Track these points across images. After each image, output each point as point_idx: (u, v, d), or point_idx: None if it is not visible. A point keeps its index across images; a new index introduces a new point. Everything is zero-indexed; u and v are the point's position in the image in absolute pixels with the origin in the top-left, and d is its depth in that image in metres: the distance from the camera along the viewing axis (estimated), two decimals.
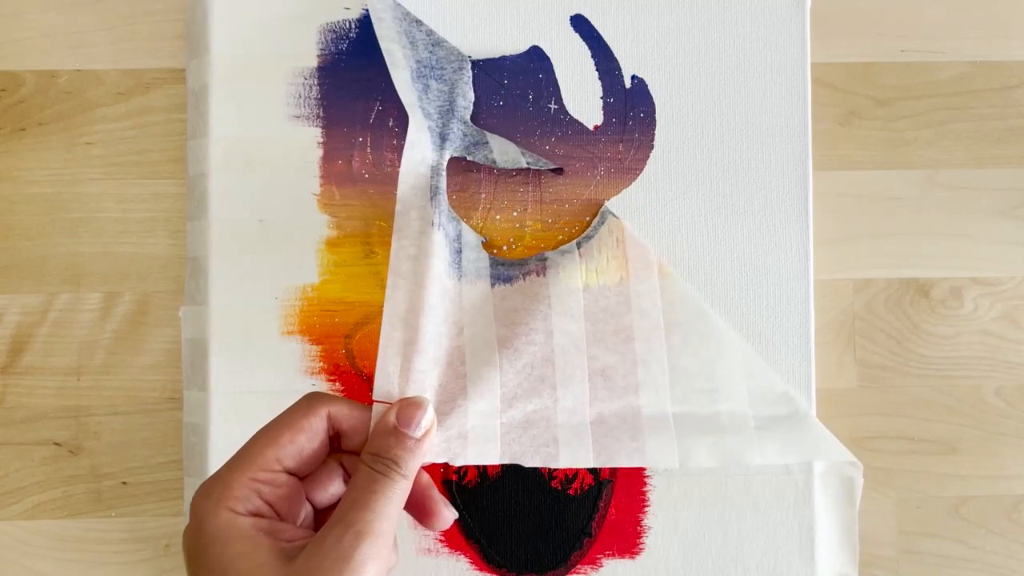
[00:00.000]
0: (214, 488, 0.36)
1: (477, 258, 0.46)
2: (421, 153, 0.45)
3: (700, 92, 0.48)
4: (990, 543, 0.50)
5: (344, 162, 0.47)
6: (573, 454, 0.43)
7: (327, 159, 0.47)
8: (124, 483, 0.48)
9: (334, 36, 0.47)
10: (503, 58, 0.48)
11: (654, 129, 0.48)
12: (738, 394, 0.45)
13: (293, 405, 0.39)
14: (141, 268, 0.49)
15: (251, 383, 0.46)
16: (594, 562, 0.47)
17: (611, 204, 0.48)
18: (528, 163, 0.46)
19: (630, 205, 0.48)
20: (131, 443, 0.48)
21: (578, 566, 0.47)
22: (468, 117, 0.46)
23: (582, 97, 0.48)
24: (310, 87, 0.47)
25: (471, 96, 0.47)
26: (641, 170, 0.48)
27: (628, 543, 0.47)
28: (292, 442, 0.37)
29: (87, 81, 0.49)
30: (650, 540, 0.47)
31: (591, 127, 0.48)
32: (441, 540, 0.47)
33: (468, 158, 0.46)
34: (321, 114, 0.47)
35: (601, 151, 0.48)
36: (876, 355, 0.50)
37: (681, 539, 0.47)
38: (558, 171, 0.47)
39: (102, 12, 0.49)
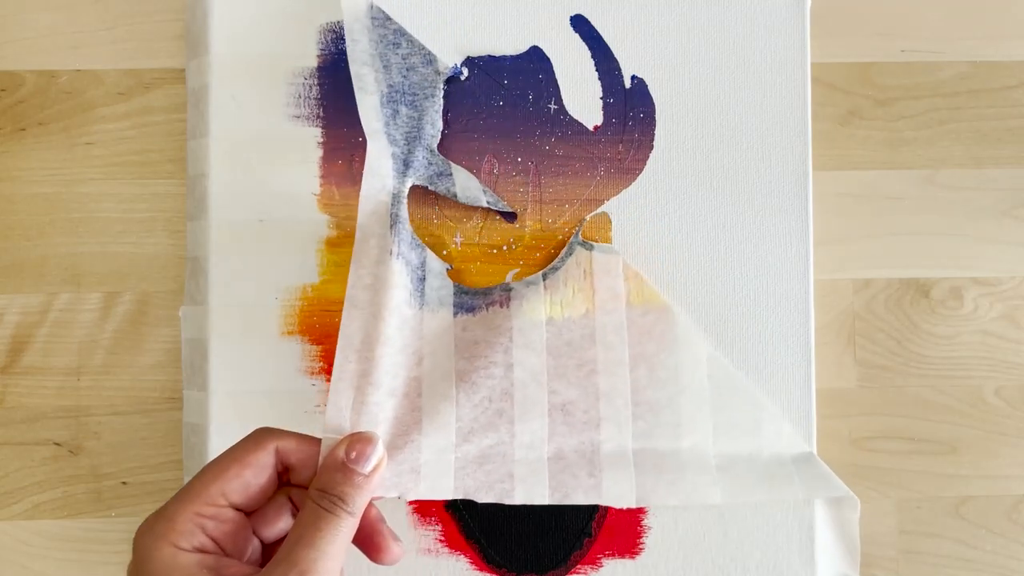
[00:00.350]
0: (157, 523, 0.36)
1: (441, 286, 0.46)
2: (381, 180, 0.45)
3: (700, 92, 0.48)
4: (990, 543, 0.50)
5: (344, 162, 0.47)
6: (529, 490, 0.43)
7: (327, 159, 0.47)
8: (124, 483, 0.48)
9: (334, 36, 0.47)
10: (503, 58, 0.48)
11: (654, 129, 0.48)
12: (703, 428, 0.45)
13: (242, 440, 0.39)
14: (141, 268, 0.49)
15: (251, 383, 0.46)
16: (594, 562, 0.47)
17: (611, 204, 0.48)
18: (488, 202, 0.46)
19: (630, 205, 0.48)
20: (131, 443, 0.48)
21: (578, 566, 0.47)
22: (435, 145, 0.46)
23: (582, 97, 0.48)
24: (310, 87, 0.47)
25: (439, 124, 0.46)
26: (641, 170, 0.48)
27: (628, 543, 0.47)
28: (238, 476, 0.37)
29: (87, 81, 0.49)
30: (650, 540, 0.47)
31: (591, 127, 0.48)
32: (441, 540, 0.47)
33: (429, 188, 0.46)
34: (321, 114, 0.47)
35: (601, 151, 0.48)
36: (876, 355, 0.50)
37: (681, 539, 0.47)
38: (511, 216, 0.47)
39: (102, 12, 0.49)
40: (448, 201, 0.47)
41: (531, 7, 0.48)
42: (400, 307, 0.44)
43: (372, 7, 0.46)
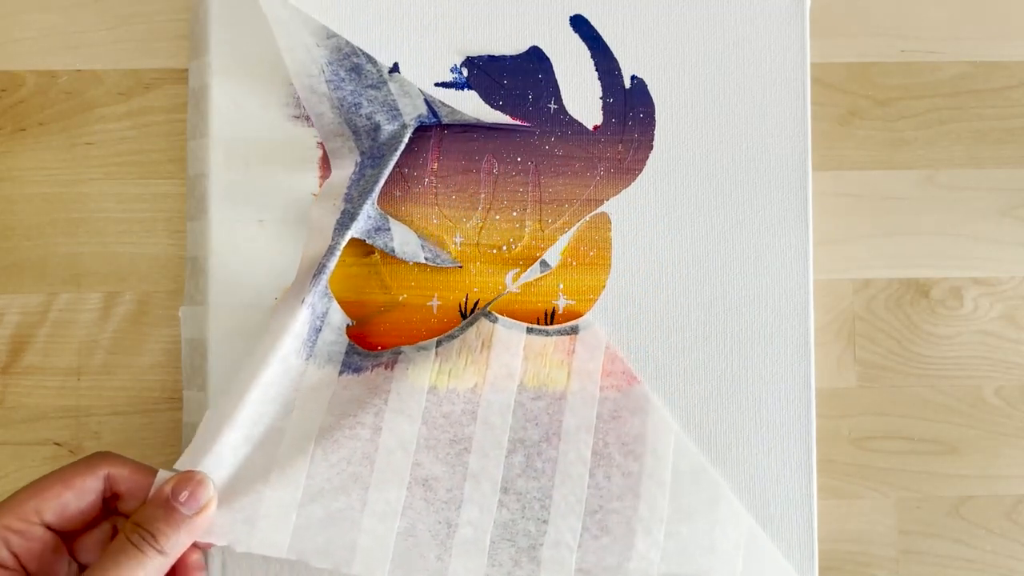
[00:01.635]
0: None
1: (334, 341, 0.45)
2: (323, 234, 0.44)
3: (700, 92, 0.48)
4: (990, 543, 0.50)
5: None
6: (368, 564, 0.41)
7: (327, 159, 0.47)
8: None
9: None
10: (503, 58, 0.48)
11: (654, 129, 0.48)
12: (570, 527, 0.43)
13: (76, 460, 0.38)
14: (141, 268, 0.49)
15: None
16: None
17: (611, 204, 0.48)
18: (427, 258, 0.45)
19: (630, 205, 0.48)
20: (131, 443, 0.48)
21: None
22: (377, 199, 0.45)
23: (582, 97, 0.48)
24: None
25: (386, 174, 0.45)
26: (641, 170, 0.48)
27: None
28: (58, 497, 0.37)
29: (87, 81, 0.49)
30: None
31: (591, 127, 0.48)
32: None
33: (367, 241, 0.45)
34: None
35: (601, 151, 0.48)
36: (876, 355, 0.50)
37: None
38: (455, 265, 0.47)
39: (102, 12, 0.49)
40: (448, 201, 0.47)
41: (531, 7, 0.48)
42: (288, 356, 0.43)
43: (324, 71, 0.45)
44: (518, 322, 0.46)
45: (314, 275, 0.43)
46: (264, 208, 0.47)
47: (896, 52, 0.51)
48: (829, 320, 0.50)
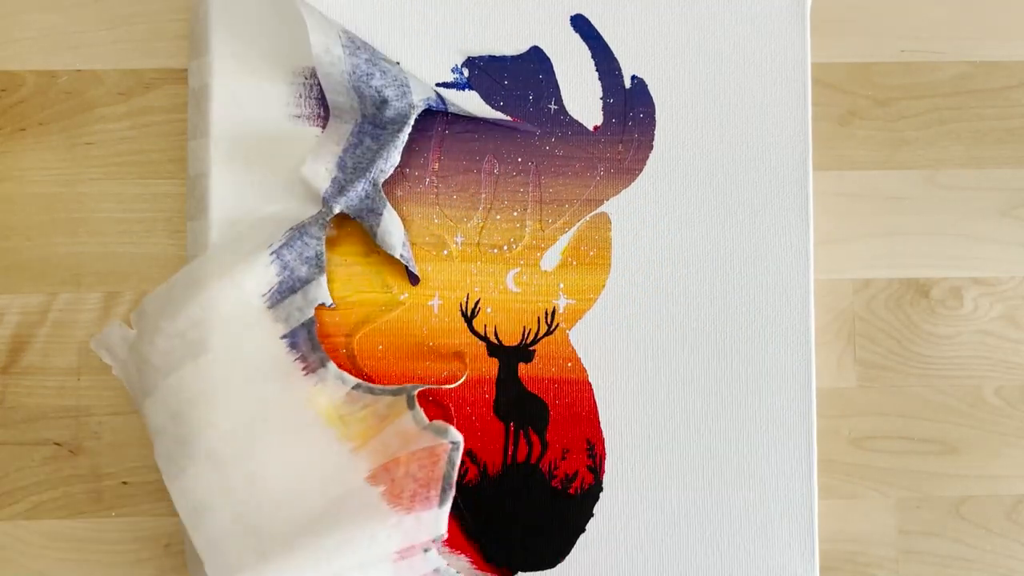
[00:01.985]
0: None
1: (299, 308, 0.45)
2: (313, 198, 0.45)
3: (700, 92, 0.48)
4: (990, 543, 0.50)
5: None
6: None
7: None
8: (124, 483, 0.48)
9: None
10: (503, 58, 0.48)
11: (654, 129, 0.48)
12: None
13: None
14: (141, 268, 0.49)
15: None
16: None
17: (611, 204, 0.48)
18: (402, 256, 0.46)
19: (630, 205, 0.48)
20: (131, 443, 0.48)
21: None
22: (382, 180, 0.45)
23: (582, 97, 0.48)
24: (310, 87, 0.47)
25: (396, 159, 0.45)
26: (641, 170, 0.48)
27: None
28: None
29: (87, 81, 0.49)
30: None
31: (591, 127, 0.48)
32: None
33: (352, 217, 0.45)
34: (321, 114, 0.47)
35: (601, 151, 0.48)
36: (876, 355, 0.50)
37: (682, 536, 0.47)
38: (414, 278, 0.47)
39: (102, 12, 0.49)
40: (449, 200, 0.47)
41: (531, 7, 0.48)
42: (250, 295, 0.44)
43: (341, 36, 0.45)
44: (426, 420, 0.45)
45: (289, 228, 0.44)
46: (264, 208, 0.47)
47: (896, 52, 0.51)
48: (829, 320, 0.50)
